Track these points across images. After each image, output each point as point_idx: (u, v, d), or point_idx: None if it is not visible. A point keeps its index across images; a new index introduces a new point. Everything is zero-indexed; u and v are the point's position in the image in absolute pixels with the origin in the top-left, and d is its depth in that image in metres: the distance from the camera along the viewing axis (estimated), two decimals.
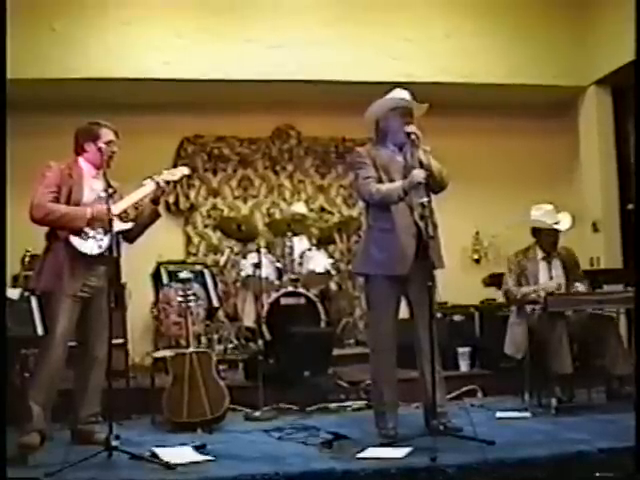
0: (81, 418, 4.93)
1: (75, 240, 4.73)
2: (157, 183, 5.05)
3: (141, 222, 5.12)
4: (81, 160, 4.98)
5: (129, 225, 4.99)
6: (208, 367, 5.56)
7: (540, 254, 6.14)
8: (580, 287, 5.92)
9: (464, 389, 6.50)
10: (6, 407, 4.21)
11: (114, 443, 4.27)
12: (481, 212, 8.85)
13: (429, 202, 4.71)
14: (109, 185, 4.73)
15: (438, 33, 8.15)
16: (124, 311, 6.34)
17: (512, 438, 4.74)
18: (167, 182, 5.11)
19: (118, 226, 4.80)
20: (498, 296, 7.40)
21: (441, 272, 5.07)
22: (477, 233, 9.22)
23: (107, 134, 5.00)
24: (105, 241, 4.77)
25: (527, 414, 5.60)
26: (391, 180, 4.98)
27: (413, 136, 4.85)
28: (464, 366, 6.99)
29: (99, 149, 4.88)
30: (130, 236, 5.10)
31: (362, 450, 4.43)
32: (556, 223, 6.08)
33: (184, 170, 5.32)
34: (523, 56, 8.27)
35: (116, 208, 4.79)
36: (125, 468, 4.16)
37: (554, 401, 5.60)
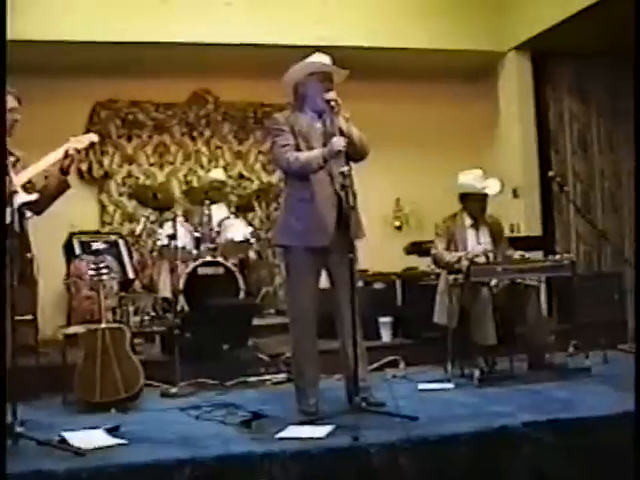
0: None
1: None
2: (66, 152, 4.77)
3: (49, 193, 4.81)
4: None
5: (34, 197, 4.68)
6: (122, 343, 5.35)
7: (468, 221, 6.11)
8: (516, 254, 5.87)
9: (386, 360, 6.44)
10: None
11: (18, 429, 4.05)
12: (402, 179, 8.81)
13: (349, 171, 4.56)
14: (10, 153, 4.45)
15: None
16: (34, 285, 6.05)
17: (435, 413, 4.67)
18: (74, 150, 4.81)
19: (21, 198, 4.51)
20: (420, 264, 7.37)
21: (362, 239, 4.95)
22: (398, 199, 9.16)
23: (10, 100, 4.65)
24: (6, 215, 4.49)
25: (450, 385, 5.56)
26: (310, 148, 4.82)
27: (333, 103, 4.68)
28: (386, 336, 6.93)
29: None
30: (37, 208, 4.78)
31: (282, 429, 4.30)
32: (484, 188, 6.02)
33: (92, 137, 5.02)
34: (443, 21, 8.17)
35: (19, 179, 4.49)
36: (32, 456, 3.92)
37: (477, 372, 5.56)
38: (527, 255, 5.87)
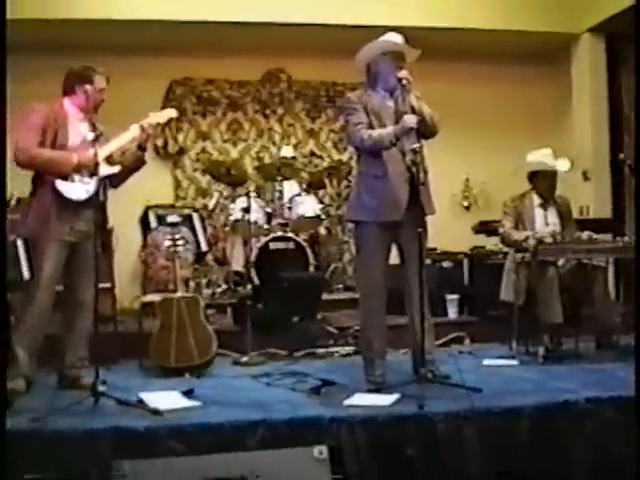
0: (68, 363, 4.91)
1: (61, 185, 4.65)
2: (141, 126, 4.95)
3: (126, 168, 5.01)
4: (67, 102, 4.86)
5: (116, 169, 4.89)
6: (196, 312, 5.55)
7: (537, 200, 6.11)
8: (584, 235, 5.87)
9: (452, 336, 6.53)
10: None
11: (101, 388, 4.25)
12: (471, 159, 8.83)
13: (421, 148, 4.66)
14: (94, 128, 4.64)
15: None
16: (111, 255, 6.29)
17: (499, 386, 4.75)
18: (154, 125, 4.99)
19: (105, 170, 4.71)
20: (487, 243, 7.41)
21: (431, 219, 5.02)
22: (467, 180, 9.20)
23: (100, 81, 4.87)
24: (92, 185, 4.69)
25: (514, 362, 5.61)
26: (382, 126, 4.90)
27: (405, 81, 4.76)
28: (452, 313, 7.01)
29: (89, 95, 4.76)
30: (115, 181, 4.98)
31: (350, 397, 4.43)
32: (554, 166, 6.04)
33: (171, 112, 5.21)
34: (516, 2, 8.17)
35: (102, 152, 4.69)
36: (112, 414, 4.13)
37: (542, 350, 5.60)
38: (595, 236, 5.85)
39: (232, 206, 7.14)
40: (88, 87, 4.78)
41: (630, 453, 4.08)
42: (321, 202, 7.56)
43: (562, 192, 6.27)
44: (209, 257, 7.99)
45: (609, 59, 8.48)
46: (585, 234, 5.85)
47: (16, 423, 3.85)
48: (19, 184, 5.12)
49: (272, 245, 6.85)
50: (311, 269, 6.89)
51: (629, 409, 4.20)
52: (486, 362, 5.66)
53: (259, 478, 3.50)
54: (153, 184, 7.73)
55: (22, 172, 4.74)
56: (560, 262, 5.80)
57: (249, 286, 6.37)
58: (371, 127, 4.90)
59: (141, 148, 5.02)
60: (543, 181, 6.07)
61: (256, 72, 8.99)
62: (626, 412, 4.22)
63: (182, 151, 8.82)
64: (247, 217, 6.51)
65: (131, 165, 5.03)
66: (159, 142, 8.56)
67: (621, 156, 6.99)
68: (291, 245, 6.91)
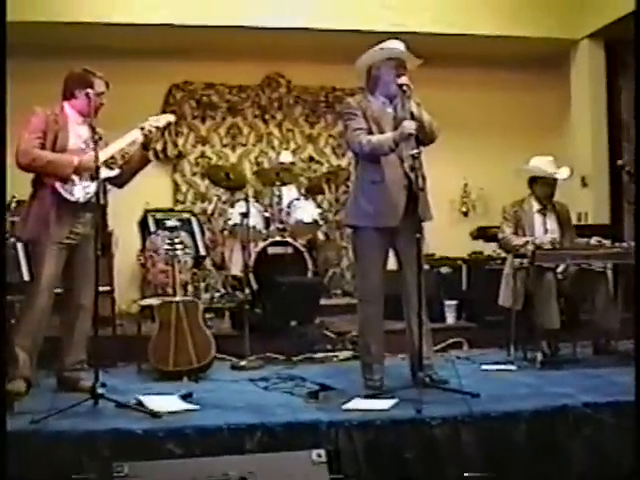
0: (67, 365, 4.93)
1: (61, 187, 4.69)
2: (142, 129, 4.98)
3: (131, 168, 5.07)
4: (67, 106, 4.90)
5: (116, 172, 4.94)
6: (195, 316, 5.57)
7: (536, 206, 6.13)
8: (592, 240, 5.89)
9: (450, 341, 6.54)
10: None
11: (100, 391, 4.27)
12: (470, 164, 8.86)
13: (419, 153, 4.67)
14: (95, 132, 4.66)
15: None
16: (111, 259, 6.32)
17: (497, 391, 4.76)
18: (153, 128, 5.02)
19: (105, 173, 4.74)
20: (485, 249, 7.43)
21: (429, 224, 5.02)
22: (465, 185, 9.22)
23: (100, 85, 4.90)
24: (92, 188, 4.72)
25: (512, 367, 5.63)
26: (381, 132, 4.93)
27: (405, 88, 4.78)
28: (451, 318, 7.02)
29: (89, 99, 4.78)
30: (119, 182, 5.06)
31: (348, 401, 4.44)
32: (555, 173, 6.07)
33: (169, 117, 5.25)
34: (516, 8, 8.20)
35: (103, 155, 4.71)
36: (111, 416, 4.15)
37: (539, 355, 5.63)
38: (604, 241, 5.86)
39: (231, 211, 7.17)
40: (88, 91, 4.79)
41: (628, 458, 4.08)
42: (319, 207, 7.59)
43: (561, 198, 6.29)
44: (208, 261, 7.99)
45: (608, 65, 8.51)
46: (594, 239, 5.87)
47: (16, 424, 3.87)
48: (19, 186, 5.14)
49: (270, 250, 6.87)
50: (309, 274, 6.91)
51: (627, 414, 4.21)
52: (484, 367, 5.68)
53: None
54: (152, 188, 7.75)
55: (22, 174, 4.75)
56: (560, 268, 5.83)
57: (247, 290, 6.38)
58: (370, 133, 4.92)
59: (145, 148, 5.07)
60: (542, 187, 6.09)
61: (255, 77, 9.01)
62: (624, 417, 4.23)
63: (181, 155, 8.85)
64: (246, 222, 6.52)
65: (136, 165, 5.09)
66: (158, 146, 8.58)
67: (619, 162, 7.00)
68: (289, 250, 6.92)
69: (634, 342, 5.18)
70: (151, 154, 5.26)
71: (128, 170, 5.04)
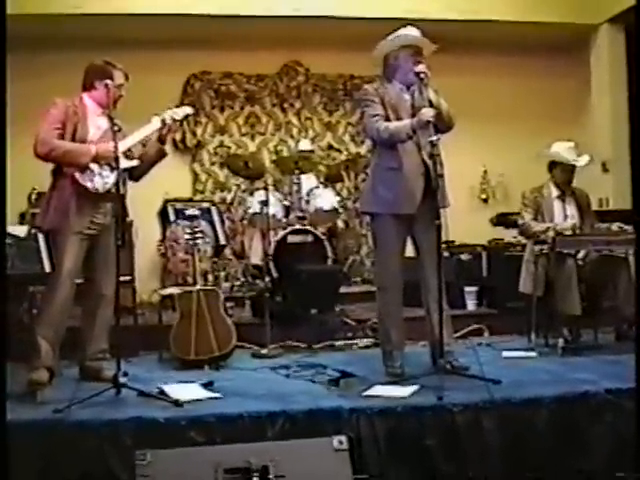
0: (89, 355, 4.96)
1: (81, 177, 4.70)
2: (163, 120, 5.00)
3: (147, 160, 5.07)
4: (86, 97, 4.91)
5: (135, 162, 4.94)
6: (215, 304, 5.58)
7: (555, 192, 6.10)
8: (614, 226, 5.86)
9: (471, 328, 6.52)
10: (12, 345, 4.21)
11: (122, 380, 4.30)
12: (489, 151, 8.84)
13: (438, 140, 4.66)
14: (114, 123, 4.68)
15: None
16: (131, 248, 6.32)
17: (518, 377, 4.75)
18: (171, 121, 5.04)
19: (124, 163, 4.75)
20: (505, 235, 7.41)
21: (449, 211, 4.99)
22: (485, 172, 9.19)
23: (119, 77, 4.92)
24: (111, 178, 4.73)
25: (533, 354, 5.61)
26: (399, 119, 4.92)
27: (423, 75, 4.76)
28: (471, 305, 7.02)
29: (109, 90, 4.79)
30: (135, 174, 5.05)
31: (369, 388, 4.45)
32: (575, 160, 6.04)
33: (187, 110, 5.24)
34: None
35: (122, 145, 4.72)
36: (133, 405, 4.18)
37: (561, 341, 5.60)
38: (625, 227, 5.82)
39: (250, 199, 7.16)
40: (107, 82, 4.81)
41: None
42: (339, 195, 7.58)
43: (582, 184, 6.26)
44: (227, 250, 8.01)
45: (628, 50, 8.43)
46: (615, 225, 5.83)
47: (39, 414, 3.91)
48: (40, 179, 5.16)
49: (290, 238, 6.86)
50: (329, 262, 6.90)
51: None
52: (505, 354, 5.66)
53: (278, 468, 3.53)
54: (171, 178, 7.78)
55: (43, 166, 4.78)
56: (581, 254, 5.80)
57: (267, 279, 6.38)
58: (387, 120, 4.92)
59: (161, 141, 5.08)
60: (561, 173, 6.06)
61: (273, 65, 9.02)
62: None
63: (200, 145, 8.88)
64: (265, 210, 6.52)
65: (152, 158, 5.09)
66: (177, 136, 8.60)
67: None
68: (309, 238, 6.91)
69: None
70: (169, 144, 5.26)
71: (145, 163, 5.04)
